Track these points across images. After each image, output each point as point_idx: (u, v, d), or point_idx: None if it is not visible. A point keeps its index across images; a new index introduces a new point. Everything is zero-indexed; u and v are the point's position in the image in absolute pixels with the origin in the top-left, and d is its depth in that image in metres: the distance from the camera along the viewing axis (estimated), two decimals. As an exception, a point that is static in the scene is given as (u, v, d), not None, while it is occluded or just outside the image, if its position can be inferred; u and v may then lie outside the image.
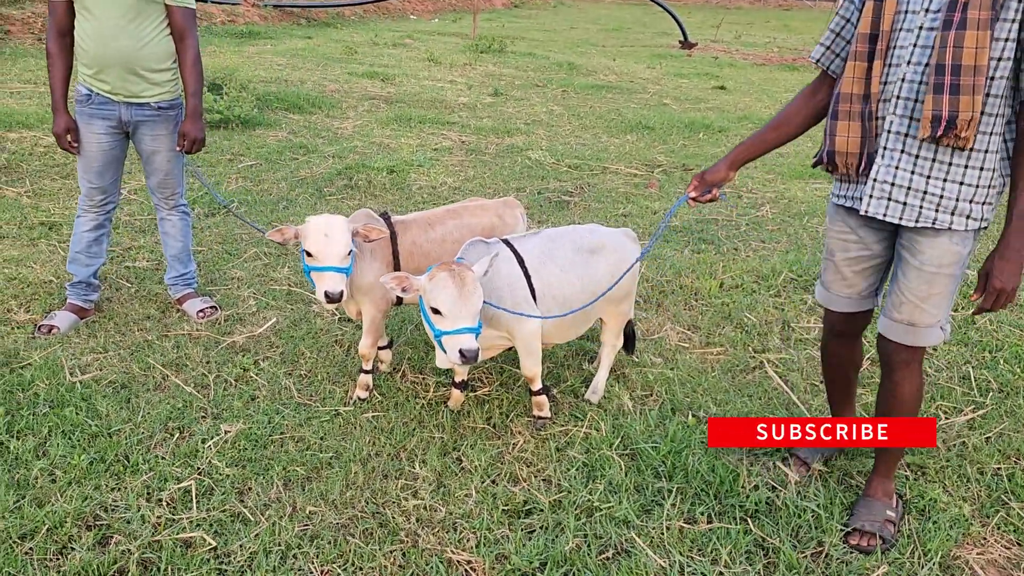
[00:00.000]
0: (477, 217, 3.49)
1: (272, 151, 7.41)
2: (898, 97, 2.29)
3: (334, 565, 2.46)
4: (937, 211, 2.30)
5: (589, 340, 3.94)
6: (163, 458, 2.92)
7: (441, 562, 2.49)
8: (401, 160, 7.15)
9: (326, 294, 2.98)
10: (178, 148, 3.81)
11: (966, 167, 2.25)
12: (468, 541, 2.59)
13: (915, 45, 2.25)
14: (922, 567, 2.53)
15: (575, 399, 3.48)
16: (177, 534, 2.54)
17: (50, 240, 4.94)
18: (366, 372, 3.41)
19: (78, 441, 2.97)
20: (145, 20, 3.57)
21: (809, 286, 4.73)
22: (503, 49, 16.45)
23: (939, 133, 2.19)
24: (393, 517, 2.68)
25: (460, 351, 2.65)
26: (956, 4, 2.13)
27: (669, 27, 24.32)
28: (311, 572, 2.43)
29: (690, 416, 3.30)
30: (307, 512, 2.69)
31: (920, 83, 2.24)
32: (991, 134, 2.23)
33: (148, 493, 2.73)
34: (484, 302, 2.78)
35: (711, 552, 2.56)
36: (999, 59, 2.15)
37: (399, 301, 3.34)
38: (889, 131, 2.33)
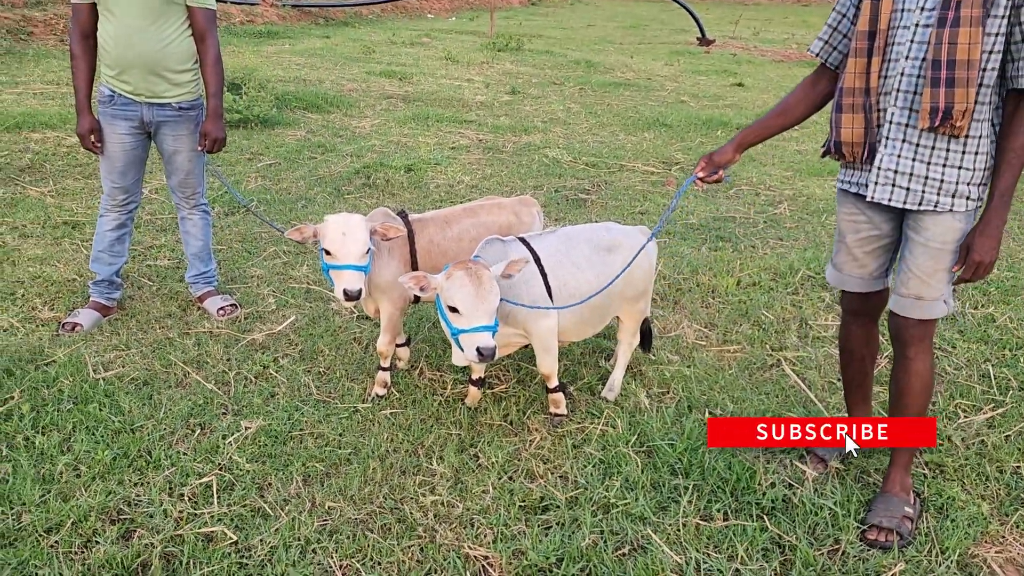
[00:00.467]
0: (494, 215, 3.51)
1: (291, 150, 7.46)
2: (898, 90, 2.42)
3: (353, 560, 2.49)
4: (938, 194, 2.43)
5: (606, 338, 3.95)
6: (184, 454, 2.96)
7: (458, 557, 2.51)
8: (419, 159, 7.18)
9: (345, 292, 3.01)
10: (199, 148, 3.86)
11: (963, 152, 2.39)
12: (485, 537, 2.61)
13: (912, 41, 2.38)
14: (939, 565, 2.52)
15: (591, 396, 3.49)
16: (199, 528, 2.58)
17: (73, 239, 5.01)
18: (384, 369, 3.44)
19: (102, 437, 3.02)
20: (167, 21, 3.62)
21: (827, 284, 4.70)
22: (520, 47, 16.45)
23: (937, 123, 2.33)
24: (411, 513, 2.70)
25: (477, 349, 2.68)
26: (950, 2, 2.27)
27: (687, 24, 24.23)
28: (330, 567, 2.46)
29: (707, 413, 3.30)
30: (326, 507, 2.72)
31: (918, 77, 2.37)
32: (983, 121, 2.37)
33: (170, 488, 2.77)
34: (501, 299, 2.80)
35: (727, 549, 2.57)
36: (990, 52, 2.28)
37: (416, 299, 3.37)
38: (891, 122, 2.46)
